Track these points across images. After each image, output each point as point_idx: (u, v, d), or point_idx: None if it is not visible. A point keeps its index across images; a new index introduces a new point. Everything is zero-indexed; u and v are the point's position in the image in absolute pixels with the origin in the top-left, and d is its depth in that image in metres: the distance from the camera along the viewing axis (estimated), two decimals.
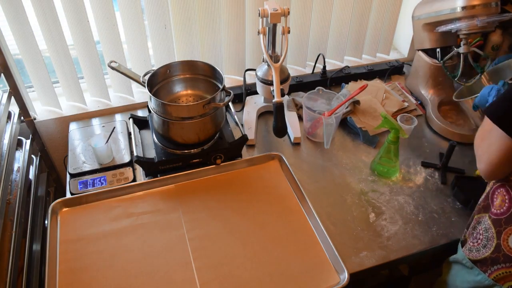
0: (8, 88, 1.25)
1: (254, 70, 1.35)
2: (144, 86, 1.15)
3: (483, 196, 0.93)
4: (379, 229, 1.08)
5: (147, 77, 1.17)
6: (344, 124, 1.42)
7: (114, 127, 1.33)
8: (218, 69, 1.22)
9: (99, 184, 1.16)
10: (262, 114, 1.46)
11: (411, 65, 1.58)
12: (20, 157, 1.24)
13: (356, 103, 1.44)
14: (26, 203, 1.18)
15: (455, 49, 1.31)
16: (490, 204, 0.90)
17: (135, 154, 1.20)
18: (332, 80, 1.59)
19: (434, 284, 1.10)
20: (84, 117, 1.45)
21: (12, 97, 1.26)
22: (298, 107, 1.45)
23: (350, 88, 1.55)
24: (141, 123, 1.35)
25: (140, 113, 1.45)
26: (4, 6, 1.18)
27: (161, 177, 1.16)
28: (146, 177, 1.20)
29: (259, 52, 1.53)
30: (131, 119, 1.32)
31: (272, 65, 1.17)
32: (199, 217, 1.08)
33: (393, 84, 1.59)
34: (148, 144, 1.30)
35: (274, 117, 1.14)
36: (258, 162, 1.24)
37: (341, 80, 1.61)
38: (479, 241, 0.90)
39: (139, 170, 1.22)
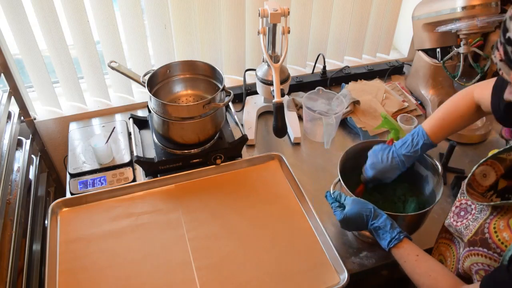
0: (8, 88, 1.25)
1: (254, 70, 1.35)
2: (144, 86, 1.15)
3: None
4: None
5: (147, 77, 1.17)
6: (344, 124, 1.42)
7: (114, 127, 1.33)
8: (218, 69, 1.22)
9: (99, 184, 1.16)
10: (262, 114, 1.46)
11: (411, 65, 1.58)
12: (20, 157, 1.24)
13: (356, 103, 1.44)
14: (26, 203, 1.18)
15: (455, 49, 1.31)
16: None
17: (135, 154, 1.20)
18: (332, 80, 1.59)
19: None
20: (84, 117, 1.45)
21: (12, 97, 1.27)
22: (298, 107, 1.45)
23: (350, 88, 1.55)
24: (141, 123, 1.35)
25: (140, 113, 1.45)
26: (4, 6, 1.18)
27: (161, 177, 1.16)
28: (146, 177, 1.20)
29: (259, 52, 1.53)
30: (131, 119, 1.32)
31: (272, 65, 1.17)
32: (199, 217, 1.08)
33: (393, 84, 1.59)
34: (148, 144, 1.30)
35: (274, 117, 1.14)
36: (258, 162, 1.24)
37: (341, 80, 1.61)
38: None
39: (139, 170, 1.22)
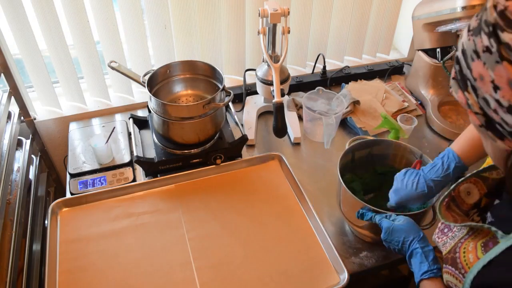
0: (8, 88, 1.25)
1: (254, 70, 1.35)
2: (144, 86, 1.15)
3: None
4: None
5: (147, 77, 1.17)
6: (344, 124, 1.42)
7: (114, 127, 1.33)
8: (218, 69, 1.22)
9: (99, 184, 1.16)
10: (262, 114, 1.46)
11: (411, 65, 1.58)
12: (20, 157, 1.24)
13: (356, 103, 1.44)
14: (26, 203, 1.18)
15: (455, 49, 1.31)
16: None
17: (135, 154, 1.20)
18: (332, 80, 1.59)
19: None
20: (84, 117, 1.45)
21: (12, 97, 1.27)
22: (298, 107, 1.45)
23: (350, 88, 1.55)
24: (141, 123, 1.35)
25: (140, 113, 1.45)
26: (4, 6, 1.18)
27: (161, 177, 1.16)
28: (146, 177, 1.20)
29: (259, 52, 1.53)
30: (131, 119, 1.32)
31: (272, 65, 1.17)
32: (199, 217, 1.08)
33: (393, 84, 1.59)
34: (148, 144, 1.30)
35: (274, 117, 1.14)
36: (258, 162, 1.24)
37: (341, 80, 1.61)
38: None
39: (139, 170, 1.22)
